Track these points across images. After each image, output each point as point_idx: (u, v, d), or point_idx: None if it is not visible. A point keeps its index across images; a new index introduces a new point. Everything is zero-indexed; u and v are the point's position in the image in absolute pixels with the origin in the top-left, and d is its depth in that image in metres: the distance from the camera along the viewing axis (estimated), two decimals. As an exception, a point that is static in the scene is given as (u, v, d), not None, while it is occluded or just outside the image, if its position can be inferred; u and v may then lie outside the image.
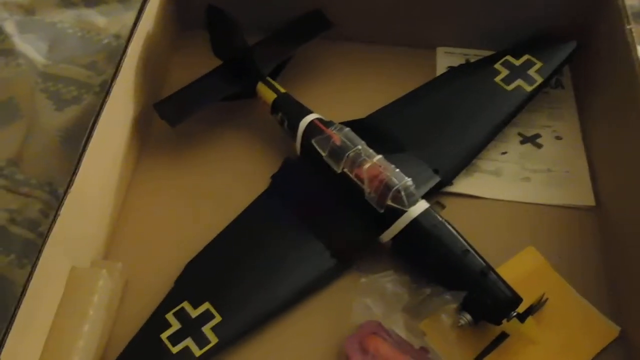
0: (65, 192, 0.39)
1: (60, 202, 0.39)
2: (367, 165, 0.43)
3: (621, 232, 0.44)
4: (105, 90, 0.45)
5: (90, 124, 0.43)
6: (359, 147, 0.44)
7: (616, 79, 0.47)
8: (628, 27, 0.45)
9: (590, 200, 0.47)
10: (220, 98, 0.51)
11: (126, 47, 0.47)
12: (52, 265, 0.39)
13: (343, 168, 0.45)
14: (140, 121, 0.51)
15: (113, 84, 0.45)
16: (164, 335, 0.40)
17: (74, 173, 0.40)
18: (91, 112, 0.44)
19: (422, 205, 0.43)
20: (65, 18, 0.63)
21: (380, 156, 0.44)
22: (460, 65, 0.55)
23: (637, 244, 0.42)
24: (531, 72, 0.50)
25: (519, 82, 0.50)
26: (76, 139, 0.53)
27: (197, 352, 0.40)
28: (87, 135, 0.42)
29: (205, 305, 0.41)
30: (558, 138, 0.51)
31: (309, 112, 0.49)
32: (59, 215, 0.38)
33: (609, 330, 0.41)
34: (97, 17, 0.64)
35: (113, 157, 0.48)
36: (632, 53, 0.44)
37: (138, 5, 0.50)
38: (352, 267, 0.44)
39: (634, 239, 0.42)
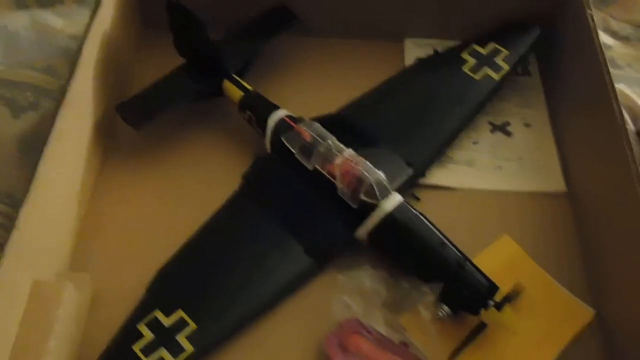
0: (23, 203, 0.37)
1: (17, 213, 0.37)
2: (338, 161, 0.43)
3: (593, 216, 0.45)
4: (61, 94, 0.43)
5: (48, 131, 0.41)
6: (329, 141, 0.44)
7: (580, 65, 0.48)
8: (589, 12, 0.46)
9: (561, 186, 0.48)
10: (187, 98, 0.50)
11: (81, 47, 0.45)
12: (13, 280, 0.37)
13: (314, 164, 0.44)
14: (103, 125, 0.50)
15: (69, 87, 0.43)
16: (136, 347, 0.39)
17: (32, 182, 0.39)
18: (50, 118, 0.42)
19: (396, 199, 0.42)
20: (18, 20, 0.60)
21: (351, 150, 0.43)
22: (428, 56, 0.55)
23: (609, 227, 0.42)
24: (498, 60, 0.51)
25: (486, 70, 0.50)
26: (36, 147, 0.50)
27: (172, 363, 0.38)
28: (44, 143, 0.40)
29: (179, 313, 0.40)
30: (527, 125, 0.52)
31: (278, 108, 0.48)
32: (16, 227, 0.37)
33: (584, 314, 0.42)
34: (52, 18, 0.61)
35: (75, 164, 0.46)
36: (594, 38, 0.45)
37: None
38: (329, 264, 0.44)
39: (605, 222, 0.43)
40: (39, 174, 0.39)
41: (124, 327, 0.40)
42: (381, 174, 0.42)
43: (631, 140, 0.40)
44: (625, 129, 0.40)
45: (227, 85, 0.50)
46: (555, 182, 0.48)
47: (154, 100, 0.50)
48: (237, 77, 0.50)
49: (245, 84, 0.50)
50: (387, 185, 0.42)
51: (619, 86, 0.54)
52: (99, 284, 0.43)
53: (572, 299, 0.42)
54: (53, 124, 0.41)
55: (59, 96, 0.50)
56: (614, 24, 0.59)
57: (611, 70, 0.44)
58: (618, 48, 0.57)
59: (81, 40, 0.46)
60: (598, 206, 0.44)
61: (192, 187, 0.49)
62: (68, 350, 0.39)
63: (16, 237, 0.37)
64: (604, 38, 0.57)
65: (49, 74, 0.57)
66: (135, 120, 0.48)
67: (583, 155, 0.47)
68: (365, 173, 0.42)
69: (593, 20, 0.46)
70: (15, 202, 0.49)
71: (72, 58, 0.57)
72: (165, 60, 0.51)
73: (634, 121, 0.52)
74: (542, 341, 0.41)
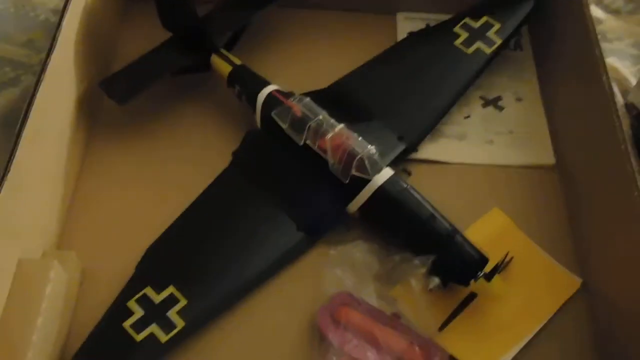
0: (2, 179, 0.37)
1: (-1, 190, 0.36)
2: (329, 136, 0.42)
3: (581, 189, 0.45)
4: (40, 68, 0.41)
5: (25, 105, 0.40)
6: (320, 117, 0.43)
7: (571, 38, 0.48)
8: (582, -17, 0.45)
9: (550, 159, 0.48)
10: (172, 72, 0.49)
11: (61, 18, 0.44)
12: (-3, 258, 0.36)
13: (305, 139, 0.43)
14: (87, 100, 0.48)
15: (48, 60, 0.42)
16: (126, 324, 0.38)
17: (10, 158, 0.38)
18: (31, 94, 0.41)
19: (387, 173, 0.42)
20: (-5, -8, 0.58)
21: (342, 125, 0.43)
22: (420, 30, 0.54)
23: (596, 199, 0.43)
24: (490, 33, 0.50)
25: (478, 44, 0.50)
26: (17, 125, 0.49)
27: (164, 338, 0.38)
28: (22, 117, 0.39)
29: (169, 289, 0.39)
30: (519, 100, 0.52)
31: (267, 83, 0.47)
32: (-2, 204, 0.36)
33: (571, 283, 0.43)
34: (31, -9, 0.59)
35: (59, 139, 0.45)
36: (585, 11, 0.45)
37: (76, -25, 0.47)
38: (320, 239, 0.43)
39: (593, 193, 0.43)
40: (20, 151, 0.38)
41: (114, 304, 0.39)
42: (372, 149, 0.42)
43: (620, 114, 0.40)
44: (615, 103, 0.40)
45: (215, 59, 0.49)
46: (545, 156, 0.48)
47: (138, 74, 0.48)
48: (225, 51, 0.49)
49: (234, 58, 0.49)
50: (378, 160, 0.42)
51: (610, 60, 0.54)
52: (88, 263, 0.43)
53: (559, 269, 0.43)
54: (31, 99, 0.40)
55: (39, 71, 0.49)
56: (605, -4, 0.58)
57: (602, 43, 0.43)
58: (609, 21, 0.57)
59: (61, 12, 0.44)
60: (586, 179, 0.44)
61: (181, 165, 0.48)
62: (57, 329, 0.38)
63: (-1, 215, 0.36)
64: (595, 11, 0.57)
65: (28, 48, 0.55)
66: (119, 95, 0.47)
67: (573, 129, 0.47)
68: (357, 148, 0.41)
69: (586, -8, 0.45)
70: None
71: (52, 31, 0.55)
72: (149, 34, 0.49)
73: (624, 95, 0.52)
74: (530, 310, 0.41)
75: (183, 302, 0.39)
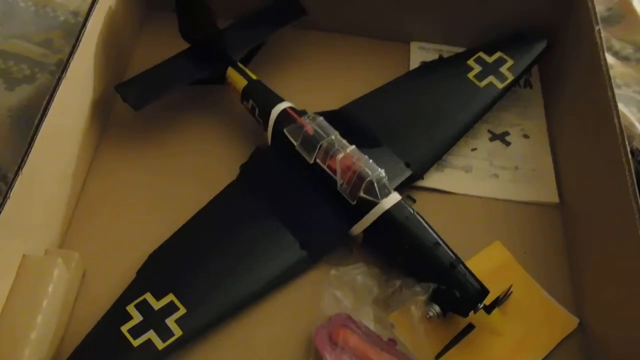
0: (16, 174, 0.37)
1: (10, 184, 0.36)
2: (340, 156, 0.43)
3: (583, 228, 0.46)
4: (61, 69, 0.42)
5: (44, 103, 0.40)
6: (332, 137, 0.44)
7: (583, 81, 0.49)
8: (597, 27, 0.46)
9: (554, 197, 0.49)
10: (188, 82, 0.49)
11: (85, 22, 0.45)
12: (2, 253, 0.36)
13: (315, 158, 0.44)
14: (100, 104, 0.49)
15: (70, 61, 0.42)
16: (124, 328, 0.38)
17: (25, 155, 0.38)
18: (45, 92, 0.41)
19: (394, 198, 0.43)
20: (18, -10, 0.59)
21: (353, 147, 0.44)
22: (434, 61, 0.56)
23: (597, 239, 0.43)
24: (503, 69, 0.51)
25: (490, 78, 0.51)
26: (28, 121, 0.50)
27: (160, 345, 0.38)
28: (41, 115, 0.40)
29: (169, 297, 0.40)
30: (525, 136, 0.52)
31: (281, 100, 0.48)
32: (8, 198, 0.36)
33: (568, 322, 0.43)
34: (53, -9, 0.60)
35: (70, 141, 0.45)
36: (599, 54, 0.45)
37: (99, -20, 0.47)
38: (322, 259, 0.44)
39: (594, 234, 0.44)
40: (34, 149, 0.38)
41: (114, 307, 0.39)
42: (382, 172, 0.42)
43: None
44: (625, 147, 0.41)
45: (231, 72, 0.49)
46: (548, 194, 0.49)
47: (155, 82, 0.49)
48: (241, 65, 0.50)
49: (250, 73, 0.49)
50: (387, 184, 0.43)
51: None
52: (89, 264, 0.43)
53: (557, 307, 0.43)
54: (51, 98, 0.40)
55: (58, 70, 0.50)
56: (616, 43, 0.60)
57: (610, 88, 0.44)
58: (618, 67, 0.58)
59: (85, 16, 0.45)
60: (588, 219, 0.45)
61: (188, 173, 0.48)
62: (54, 328, 0.38)
63: (8, 209, 0.36)
64: (606, 56, 0.58)
65: (46, 47, 0.56)
66: (135, 100, 0.47)
67: (578, 170, 0.48)
68: (367, 170, 0.42)
69: (600, 36, 0.46)
70: (3, 175, 0.48)
71: (71, 33, 0.56)
72: (167, 43, 0.50)
73: (629, 140, 0.53)
74: (526, 346, 0.41)
75: (182, 311, 0.39)
